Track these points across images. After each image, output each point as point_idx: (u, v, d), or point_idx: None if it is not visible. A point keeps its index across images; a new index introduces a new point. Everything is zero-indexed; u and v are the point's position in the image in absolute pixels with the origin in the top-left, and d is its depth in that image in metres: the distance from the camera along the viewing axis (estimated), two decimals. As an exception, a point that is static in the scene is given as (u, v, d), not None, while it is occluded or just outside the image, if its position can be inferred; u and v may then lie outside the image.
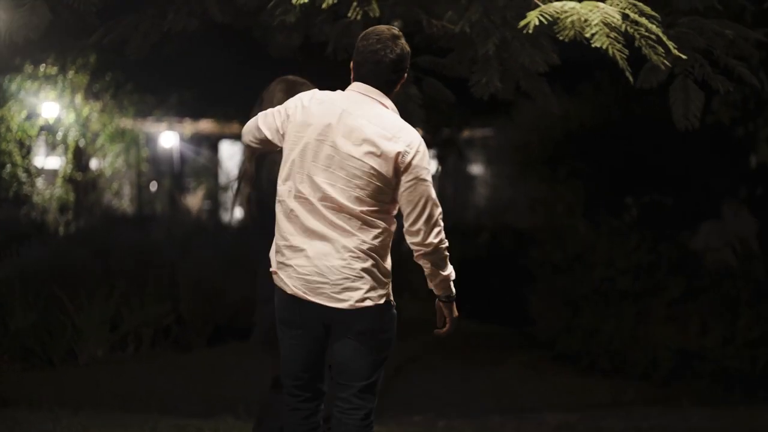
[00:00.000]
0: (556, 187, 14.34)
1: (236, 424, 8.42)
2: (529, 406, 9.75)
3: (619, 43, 5.68)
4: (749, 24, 8.24)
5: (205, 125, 20.70)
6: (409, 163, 4.55)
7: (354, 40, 6.96)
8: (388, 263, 4.68)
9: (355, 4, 6.46)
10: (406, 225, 4.64)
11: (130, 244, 12.32)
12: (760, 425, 9.04)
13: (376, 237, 4.58)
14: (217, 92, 18.28)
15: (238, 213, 20.50)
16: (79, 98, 15.44)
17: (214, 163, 21.40)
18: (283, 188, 4.61)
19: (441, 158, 19.78)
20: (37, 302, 10.64)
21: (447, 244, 4.69)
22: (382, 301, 4.60)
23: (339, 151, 4.53)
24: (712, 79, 6.51)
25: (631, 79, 6.01)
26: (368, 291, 4.55)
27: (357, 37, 7.31)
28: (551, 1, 6.00)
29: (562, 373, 11.01)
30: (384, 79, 4.63)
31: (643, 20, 5.72)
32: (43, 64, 14.92)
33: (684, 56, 5.95)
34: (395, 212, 4.70)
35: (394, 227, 4.71)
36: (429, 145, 6.17)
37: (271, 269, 4.69)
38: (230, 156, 21.71)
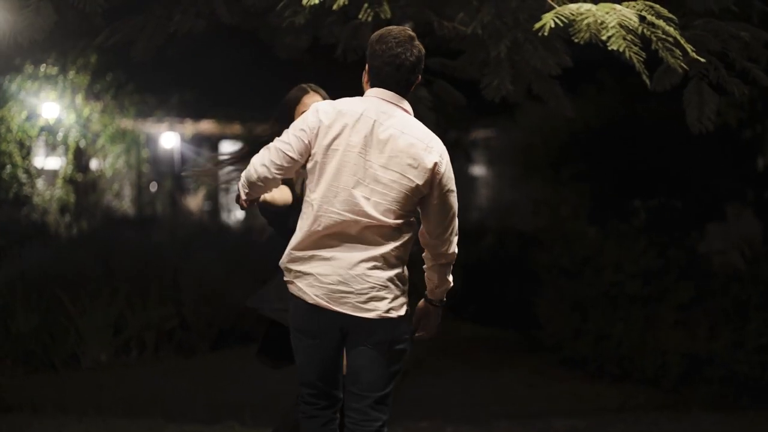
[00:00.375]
0: (560, 189, 14.27)
1: (242, 430, 8.38)
2: (536, 411, 9.65)
3: (635, 45, 5.57)
4: (756, 24, 8.17)
5: (206, 126, 20.65)
6: (443, 174, 4.54)
7: (363, 42, 6.98)
8: (406, 272, 4.65)
9: (366, 5, 6.39)
10: (431, 236, 4.61)
11: (133, 247, 12.28)
12: (770, 430, 9.03)
13: (402, 246, 4.56)
14: (218, 93, 18.23)
15: (239, 213, 20.56)
16: (79, 99, 15.35)
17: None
18: (311, 200, 4.53)
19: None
20: (40, 305, 10.60)
21: None
22: (403, 312, 4.57)
23: (374, 164, 4.47)
24: (728, 82, 6.43)
25: (648, 82, 5.93)
26: (393, 300, 4.52)
27: (366, 38, 7.22)
28: (565, 3, 5.91)
29: (570, 378, 10.92)
30: (404, 82, 4.57)
31: (660, 22, 5.64)
32: (44, 65, 14.83)
33: (702, 59, 5.85)
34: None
35: (414, 235, 4.66)
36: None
37: (285, 279, 4.62)
38: (231, 156, 21.59)
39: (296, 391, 4.90)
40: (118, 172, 16.83)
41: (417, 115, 4.73)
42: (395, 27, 4.65)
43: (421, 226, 4.65)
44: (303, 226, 4.55)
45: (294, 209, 4.87)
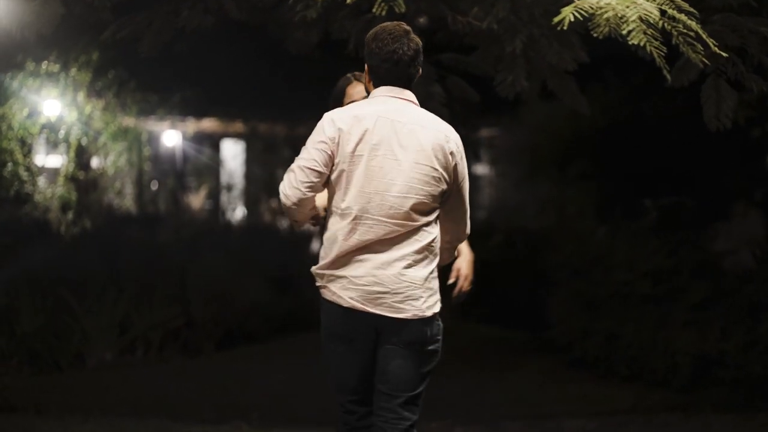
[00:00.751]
0: (566, 188, 14.20)
1: (250, 431, 8.33)
2: (546, 412, 9.56)
3: (656, 40, 5.48)
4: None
5: (208, 124, 20.60)
6: (459, 161, 4.58)
7: None
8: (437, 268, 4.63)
9: (380, -1, 6.27)
10: (452, 222, 4.67)
11: (138, 246, 12.23)
12: (783, 432, 8.95)
13: (434, 242, 4.54)
14: (220, 91, 18.18)
15: (240, 213, 20.58)
16: (81, 96, 15.21)
17: (216, 162, 21.27)
18: (342, 209, 4.48)
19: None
20: (44, 305, 10.58)
21: None
22: (437, 309, 4.53)
23: (403, 162, 4.44)
24: (747, 78, 6.33)
25: (669, 77, 5.84)
26: (428, 299, 4.49)
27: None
28: (583, -3, 5.82)
29: (580, 378, 10.82)
30: (405, 77, 4.55)
31: (682, 16, 5.55)
32: (45, 62, 14.72)
33: (724, 54, 5.76)
34: None
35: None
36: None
37: (317, 284, 4.56)
38: (233, 156, 21.58)
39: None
40: (119, 170, 16.74)
41: (430, 112, 4.69)
42: (389, 23, 4.60)
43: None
44: (337, 237, 4.48)
45: None
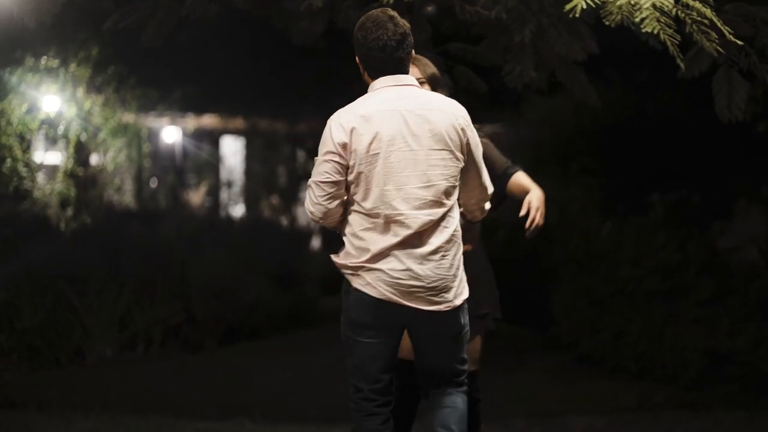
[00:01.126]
0: (569, 185, 14.10)
1: (254, 428, 8.27)
2: (553, 410, 9.47)
3: (670, 28, 5.39)
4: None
5: (208, 120, 20.59)
6: (471, 135, 4.59)
7: None
8: None
9: (388, -13, 6.18)
10: (478, 193, 4.72)
11: (139, 241, 12.18)
12: (793, 430, 8.90)
13: (457, 226, 4.56)
14: (221, 87, 18.15)
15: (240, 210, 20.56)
16: (80, 92, 15.17)
17: (216, 159, 21.23)
18: (365, 209, 4.46)
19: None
20: (44, 301, 10.51)
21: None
22: (466, 293, 4.60)
23: (419, 151, 4.43)
24: (759, 69, 6.23)
25: (682, 66, 5.76)
26: (458, 286, 4.53)
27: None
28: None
29: (587, 375, 10.71)
30: (396, 61, 4.50)
31: (696, 4, 5.47)
32: (45, 57, 14.68)
33: (740, 42, 5.66)
34: None
35: None
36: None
37: (346, 272, 4.53)
38: (233, 152, 21.53)
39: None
40: (119, 166, 16.72)
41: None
42: (374, 11, 4.59)
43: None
44: (369, 236, 4.46)
45: None
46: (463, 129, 4.50)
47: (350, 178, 4.43)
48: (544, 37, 6.68)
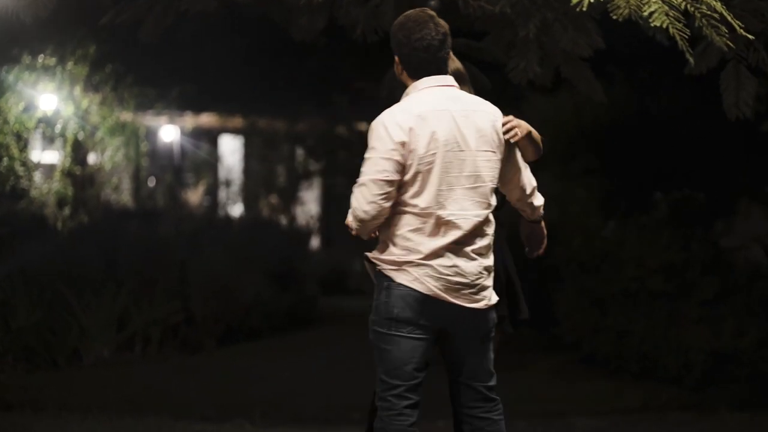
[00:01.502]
0: (570, 183, 14.03)
1: (253, 430, 8.23)
2: (556, 411, 9.44)
3: (679, 22, 5.29)
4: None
5: (206, 119, 20.52)
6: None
7: (384, 22, 6.71)
8: None
9: (389, -17, 6.11)
10: (524, 192, 4.74)
11: (137, 241, 12.13)
12: (799, 431, 8.85)
13: (493, 229, 4.57)
14: (219, 86, 18.08)
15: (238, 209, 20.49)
16: (78, 90, 15.16)
17: (214, 157, 21.15)
18: (420, 206, 4.42)
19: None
20: (41, 300, 10.48)
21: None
22: (496, 295, 4.61)
23: (469, 153, 4.45)
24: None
25: (692, 61, 5.64)
26: (493, 286, 4.56)
27: (387, 18, 6.90)
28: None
29: (590, 376, 10.69)
30: (439, 62, 4.52)
31: (706, -3, 5.34)
32: (42, 55, 14.66)
33: (751, 36, 5.55)
34: None
35: None
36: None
37: (391, 268, 4.47)
38: (231, 151, 21.45)
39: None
40: (116, 165, 16.69)
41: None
42: (413, 11, 4.57)
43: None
44: (420, 237, 4.43)
45: None
46: (499, 126, 4.55)
47: (406, 177, 4.40)
48: (549, 32, 6.59)
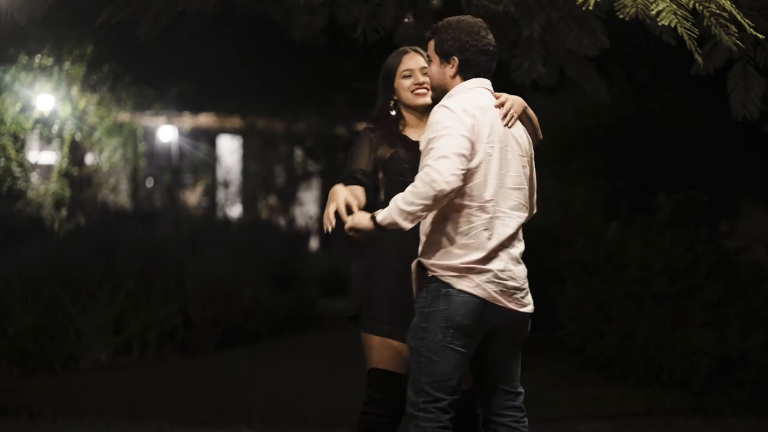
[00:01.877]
0: (572, 184, 13.97)
1: None
2: (560, 415, 9.32)
3: (687, 21, 5.19)
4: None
5: (205, 119, 20.49)
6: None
7: (384, 21, 6.63)
8: None
9: (392, -18, 6.03)
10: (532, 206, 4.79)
11: (135, 243, 12.11)
12: (806, 436, 8.75)
13: None
14: (217, 86, 18.03)
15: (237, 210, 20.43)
16: (75, 90, 15.14)
17: (212, 158, 21.09)
18: (484, 197, 4.47)
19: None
20: (37, 303, 10.45)
21: None
22: None
23: (513, 155, 4.55)
24: (777, 66, 6.05)
25: (700, 61, 5.53)
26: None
27: (388, 17, 6.82)
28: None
29: (594, 380, 10.61)
30: (491, 67, 4.70)
31: (715, -4, 5.25)
32: (39, 55, 14.63)
33: (761, 35, 5.47)
34: None
35: None
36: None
37: (453, 274, 4.44)
38: (230, 151, 21.40)
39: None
40: (114, 166, 16.68)
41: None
42: (467, 17, 4.71)
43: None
44: (483, 233, 4.45)
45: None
46: (531, 141, 4.70)
47: (472, 164, 4.42)
48: (553, 32, 6.53)
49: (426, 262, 4.47)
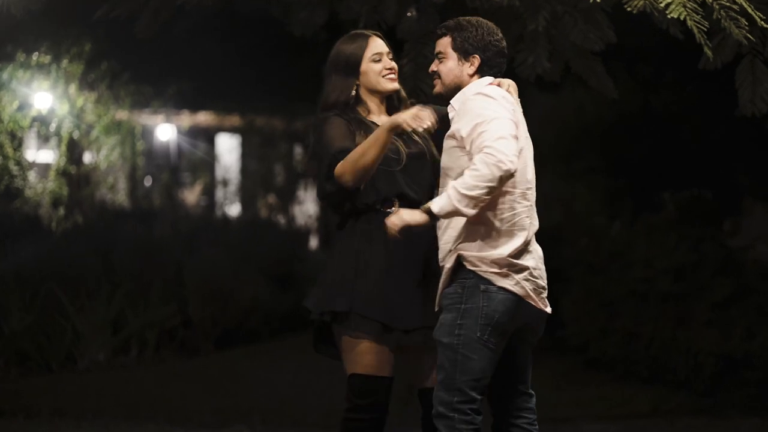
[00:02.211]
0: (573, 183, 13.94)
1: None
2: (563, 415, 9.30)
3: (697, 14, 5.12)
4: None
5: (203, 118, 20.44)
6: None
7: (386, 16, 6.55)
8: None
9: (394, -24, 5.96)
10: None
11: (133, 242, 12.11)
12: (812, 436, 8.74)
13: None
14: (216, 84, 18.00)
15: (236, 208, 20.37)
16: (73, 88, 15.14)
17: (211, 156, 21.04)
18: (526, 184, 4.48)
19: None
20: (35, 303, 10.42)
21: None
22: None
23: (530, 143, 4.58)
24: (787, 60, 5.97)
25: (710, 54, 5.45)
26: None
27: (390, 12, 6.75)
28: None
29: (598, 380, 10.56)
30: (504, 71, 4.74)
31: (725, -12, 5.17)
32: (36, 53, 14.66)
33: (771, 27, 5.38)
34: None
35: None
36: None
37: (495, 271, 4.37)
38: (228, 150, 21.34)
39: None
40: (112, 164, 16.69)
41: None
42: (478, 18, 4.74)
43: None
44: (524, 221, 4.43)
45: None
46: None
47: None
48: (558, 26, 6.45)
49: (468, 254, 4.36)
